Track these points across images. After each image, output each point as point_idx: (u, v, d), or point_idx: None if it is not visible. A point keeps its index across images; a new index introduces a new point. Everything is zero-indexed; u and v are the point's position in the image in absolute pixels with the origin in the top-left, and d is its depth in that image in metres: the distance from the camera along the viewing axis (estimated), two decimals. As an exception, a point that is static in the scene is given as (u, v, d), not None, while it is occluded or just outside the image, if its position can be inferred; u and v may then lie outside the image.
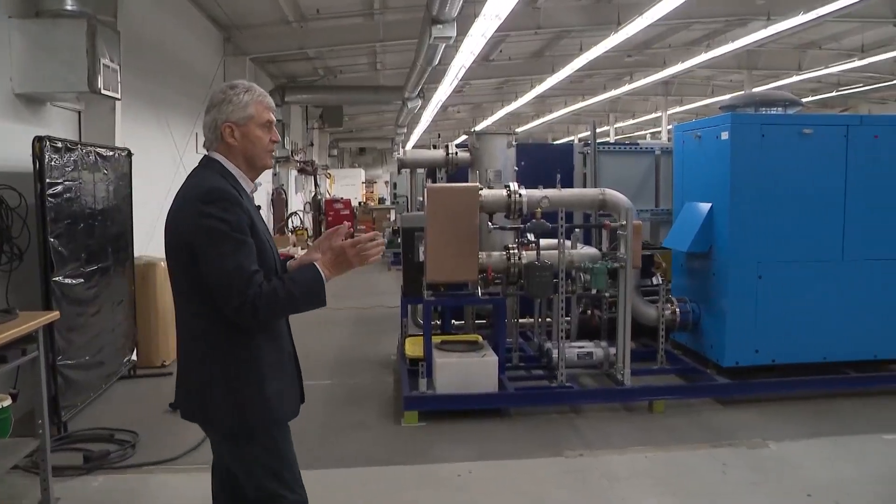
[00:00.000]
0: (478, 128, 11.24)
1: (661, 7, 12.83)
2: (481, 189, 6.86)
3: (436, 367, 6.53)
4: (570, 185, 8.67)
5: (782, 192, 6.76)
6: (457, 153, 8.10)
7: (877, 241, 6.95)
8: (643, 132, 37.31)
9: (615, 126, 35.98)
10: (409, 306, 8.14)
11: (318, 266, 2.76)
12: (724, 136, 6.73)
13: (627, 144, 9.28)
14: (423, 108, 23.82)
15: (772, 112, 7.22)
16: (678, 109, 30.16)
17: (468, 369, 6.49)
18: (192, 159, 11.28)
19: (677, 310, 7.33)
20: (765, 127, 6.72)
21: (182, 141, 10.80)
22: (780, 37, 18.45)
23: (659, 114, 30.21)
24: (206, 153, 2.88)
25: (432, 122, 29.83)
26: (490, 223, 7.07)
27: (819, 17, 14.38)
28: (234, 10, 13.10)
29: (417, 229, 7.18)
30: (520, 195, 6.77)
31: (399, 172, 9.81)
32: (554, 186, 6.87)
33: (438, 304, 7.42)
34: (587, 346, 7.09)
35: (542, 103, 32.70)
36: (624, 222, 6.60)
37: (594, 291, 6.85)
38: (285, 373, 2.88)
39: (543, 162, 8.80)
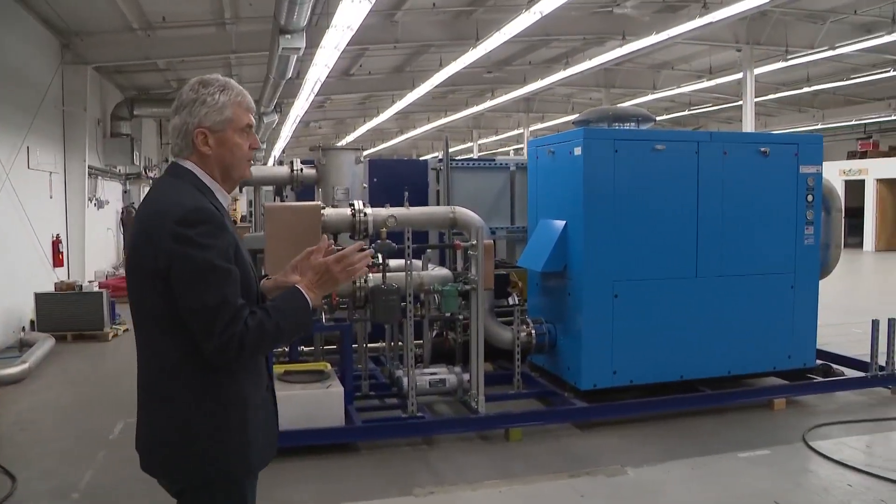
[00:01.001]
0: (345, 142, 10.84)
1: (519, 23, 12.84)
2: (324, 208, 6.43)
3: (278, 401, 5.99)
4: (426, 203, 8.35)
5: (637, 208, 6.61)
6: (302, 170, 7.64)
7: (729, 257, 6.91)
8: (506, 148, 37.79)
9: (479, 142, 36.24)
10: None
11: (301, 290, 2.43)
12: (578, 151, 6.52)
13: (482, 160, 9.03)
14: (281, 123, 23.20)
15: (625, 127, 7.09)
16: (539, 126, 30.65)
17: (312, 402, 6.01)
18: (21, 176, 10.51)
19: (533, 331, 7.07)
20: (618, 142, 6.55)
21: (8, 156, 9.86)
22: (636, 56, 18.91)
23: (521, 130, 30.54)
24: (175, 160, 2.49)
25: (293, 137, 29.20)
26: (334, 244, 6.61)
27: (670, 37, 14.78)
28: (72, 15, 12.14)
29: (260, 251, 6.66)
30: (365, 214, 6.40)
31: (241, 191, 9.25)
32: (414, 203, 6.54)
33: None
34: (440, 372, 6.72)
35: (406, 119, 32.63)
36: (474, 242, 6.29)
37: (447, 314, 6.51)
38: (267, 413, 2.58)
39: (396, 178, 8.46)
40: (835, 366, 7.76)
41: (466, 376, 6.56)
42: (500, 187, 8.59)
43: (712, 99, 25.82)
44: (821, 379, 7.36)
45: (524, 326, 7.13)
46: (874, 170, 25.48)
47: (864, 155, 27.49)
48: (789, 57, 17.28)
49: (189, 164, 2.45)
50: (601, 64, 17.67)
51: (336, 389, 6.10)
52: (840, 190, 25.58)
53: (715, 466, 5.67)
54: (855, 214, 25.93)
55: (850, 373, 7.67)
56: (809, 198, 7.11)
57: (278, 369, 6.47)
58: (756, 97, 22.88)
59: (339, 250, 2.54)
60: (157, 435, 2.42)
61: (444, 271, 6.80)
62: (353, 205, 6.55)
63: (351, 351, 6.57)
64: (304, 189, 7.96)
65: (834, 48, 16.34)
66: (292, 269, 2.62)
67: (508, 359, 7.42)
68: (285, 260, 5.98)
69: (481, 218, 7.16)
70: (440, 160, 8.56)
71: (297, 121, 22.91)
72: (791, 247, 7.11)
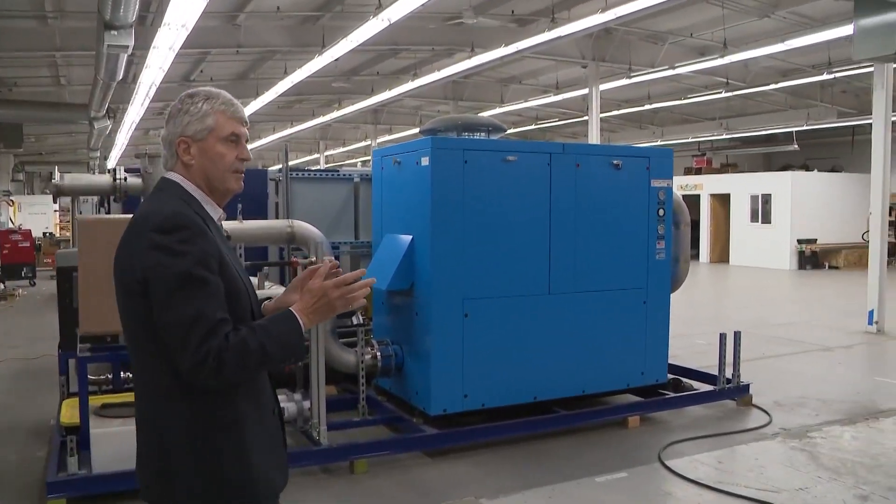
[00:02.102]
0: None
1: (366, 30, 12.42)
2: (147, 220, 5.76)
3: (92, 439, 5.30)
4: (265, 216, 7.77)
5: (487, 222, 6.29)
6: (126, 179, 6.93)
7: (582, 273, 6.70)
8: (353, 160, 37.38)
9: (325, 153, 35.67)
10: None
11: (294, 313, 2.25)
12: (425, 161, 6.13)
13: (324, 171, 8.52)
14: (116, 129, 21.83)
15: (475, 137, 6.77)
16: (387, 138, 30.41)
17: (132, 439, 5.29)
18: None
19: (378, 354, 6.61)
20: (468, 153, 6.20)
21: None
22: (484, 69, 18.93)
23: (369, 142, 30.19)
24: (165, 174, 2.39)
25: (130, 145, 27.65)
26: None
27: (518, 51, 14.78)
28: None
29: (76, 269, 5.92)
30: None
31: (55, 201, 8.37)
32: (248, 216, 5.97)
33: (96, 361, 6.17)
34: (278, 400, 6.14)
35: (252, 129, 31.35)
36: (313, 258, 5.78)
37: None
38: (271, 437, 2.39)
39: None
40: (684, 380, 7.73)
41: (307, 403, 6.03)
42: (343, 200, 8.11)
43: (559, 114, 26.31)
44: (673, 395, 7.27)
45: (369, 348, 6.67)
46: (708, 185, 26.65)
47: (698, 171, 28.74)
48: (632, 74, 17.71)
49: (175, 176, 2.36)
50: (450, 76, 17.54)
51: (161, 424, 5.43)
52: (678, 204, 26.93)
53: (573, 494, 5.40)
54: (691, 228, 26.98)
55: (700, 386, 7.66)
56: (661, 212, 7.02)
57: (95, 402, 5.78)
58: (601, 113, 23.52)
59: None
60: (149, 464, 2.27)
61: (280, 289, 6.25)
62: (180, 217, 5.92)
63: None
64: (130, 200, 7.25)
65: (673, 67, 16.84)
66: (293, 289, 2.46)
67: (354, 381, 6.94)
68: (101, 279, 5.39)
69: (323, 232, 6.68)
70: (280, 170, 8.00)
71: (133, 127, 21.58)
72: (643, 262, 6.98)
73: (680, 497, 5.36)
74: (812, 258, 23.86)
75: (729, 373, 7.51)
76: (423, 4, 10.99)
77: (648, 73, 17.52)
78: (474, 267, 6.22)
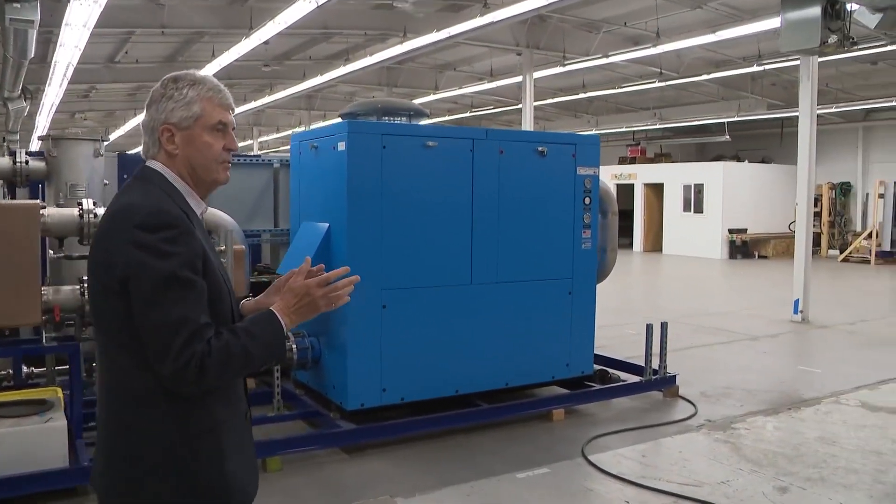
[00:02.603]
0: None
1: (294, 12, 12.08)
2: (44, 207, 5.42)
3: (-18, 440, 4.95)
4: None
5: (407, 210, 6.05)
6: (27, 162, 6.52)
7: (505, 263, 6.51)
8: (287, 146, 36.78)
9: (259, 140, 35.09)
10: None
11: (276, 314, 2.17)
12: (342, 146, 5.86)
13: (243, 156, 8.18)
14: (34, 111, 21.00)
15: (396, 122, 6.53)
16: (322, 124, 29.91)
17: (26, 440, 4.99)
18: None
19: (294, 346, 6.34)
20: (386, 137, 5.94)
21: None
22: (418, 55, 18.69)
23: (303, 128, 29.70)
24: (145, 163, 2.25)
25: (55, 129, 26.71)
26: (51, 251, 5.65)
27: (450, 36, 14.55)
28: None
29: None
30: (95, 215, 5.46)
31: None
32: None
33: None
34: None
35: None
36: (223, 247, 5.49)
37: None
38: (245, 443, 2.29)
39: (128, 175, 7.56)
40: (611, 371, 7.62)
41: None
42: (262, 186, 7.77)
43: (493, 101, 26.22)
44: (598, 386, 7.15)
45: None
46: (642, 175, 26.85)
47: (633, 161, 28.95)
48: (566, 63, 17.65)
49: (157, 165, 2.22)
50: (382, 61, 17.24)
51: (58, 423, 5.10)
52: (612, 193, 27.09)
53: (492, 491, 5.23)
54: (625, 217, 27.20)
55: (626, 377, 7.57)
56: (587, 200, 6.87)
57: (-10, 399, 5.41)
58: (535, 101, 23.48)
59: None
60: (115, 470, 2.13)
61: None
62: (80, 204, 5.59)
63: (80, 375, 5.58)
64: (33, 185, 6.86)
65: (607, 56, 16.82)
66: (275, 290, 2.36)
67: (285, 374, 6.67)
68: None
69: (242, 219, 6.40)
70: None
71: (54, 109, 20.79)
72: (569, 251, 6.82)
73: (602, 493, 5.24)
74: (742, 247, 24.22)
75: (656, 364, 7.43)
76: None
77: (582, 61, 17.48)
78: (393, 256, 5.99)
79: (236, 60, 19.20)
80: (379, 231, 5.92)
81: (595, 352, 7.89)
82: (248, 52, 15.87)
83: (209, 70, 17.00)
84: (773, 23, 11.97)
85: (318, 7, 11.70)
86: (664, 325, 7.46)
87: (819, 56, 12.01)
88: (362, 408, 6.04)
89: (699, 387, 7.86)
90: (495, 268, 6.45)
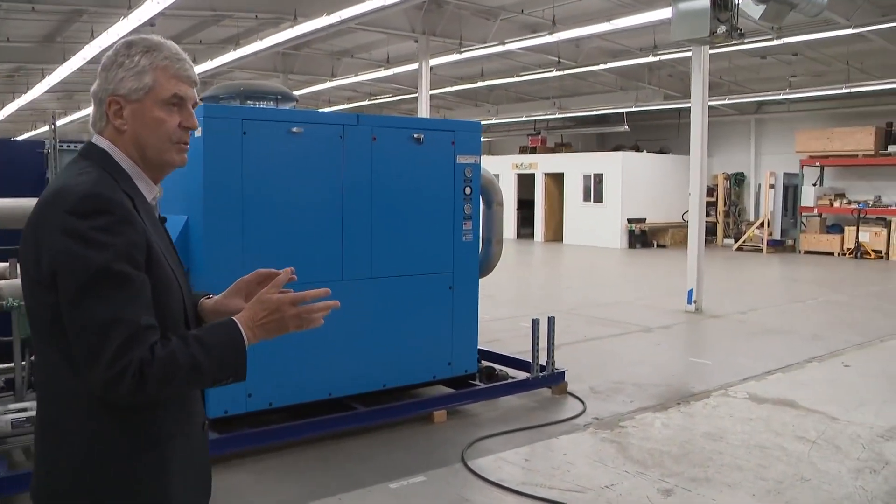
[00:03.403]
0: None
1: (171, -10, 11.41)
2: None
3: None
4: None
5: (271, 201, 5.56)
6: None
7: (380, 257, 6.10)
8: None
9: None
10: None
11: (238, 324, 1.86)
12: (197, 132, 5.36)
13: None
14: None
15: (261, 106, 6.05)
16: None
17: None
18: None
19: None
20: (247, 122, 5.43)
21: None
22: (314, 41, 18.14)
23: (196, 116, 28.73)
24: (90, 139, 1.97)
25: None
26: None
27: (342, 20, 14.07)
28: None
29: None
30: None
31: None
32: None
33: None
34: (31, 407, 5.28)
35: (70, 99, 29.50)
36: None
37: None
38: (197, 459, 2.03)
39: (10, 164, 7.04)
40: (499, 367, 7.32)
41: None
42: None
43: (393, 90, 25.80)
44: (483, 385, 6.82)
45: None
46: (542, 164, 26.83)
47: (533, 150, 28.96)
48: (463, 50, 17.36)
49: (103, 142, 1.95)
50: (274, 46, 16.66)
51: None
52: (513, 183, 27.08)
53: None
54: (526, 206, 27.20)
55: (515, 373, 7.28)
56: (467, 190, 6.50)
57: None
58: (434, 90, 23.18)
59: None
60: (50, 481, 1.89)
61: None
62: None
63: None
64: None
65: (503, 43, 16.60)
66: (237, 291, 2.15)
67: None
68: None
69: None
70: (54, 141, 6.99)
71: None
72: (448, 244, 6.45)
73: (479, 503, 4.91)
74: (641, 237, 24.48)
75: (544, 359, 7.16)
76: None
77: (479, 48, 17.24)
78: (256, 251, 5.49)
79: (118, 41, 18.28)
80: (239, 224, 5.43)
81: (486, 347, 7.65)
82: (130, 33, 15.09)
83: (89, 52, 16.08)
84: (668, 13, 11.88)
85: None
86: (551, 320, 7.19)
87: (710, 46, 12.02)
88: (226, 415, 5.55)
89: (590, 382, 7.65)
90: (369, 262, 6.02)
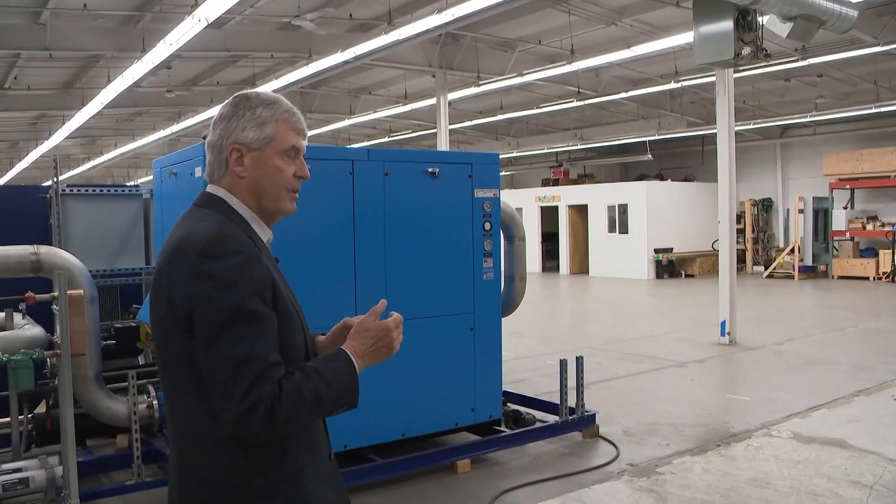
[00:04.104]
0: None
1: (182, 31, 11.24)
2: None
3: None
4: (44, 240, 6.53)
5: (280, 241, 5.25)
6: None
7: (396, 298, 5.70)
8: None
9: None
10: None
11: (350, 355, 1.97)
12: (198, 172, 5.09)
13: (108, 186, 7.32)
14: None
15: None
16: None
17: None
18: None
19: (155, 402, 5.49)
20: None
21: None
22: (330, 78, 18.02)
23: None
24: (206, 189, 2.08)
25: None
26: None
27: (356, 56, 13.88)
28: None
29: None
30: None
31: None
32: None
33: None
34: (29, 467, 4.98)
35: (93, 144, 29.68)
36: (56, 292, 4.64)
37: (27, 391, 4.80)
38: (329, 486, 2.07)
39: (14, 210, 6.83)
40: (525, 410, 6.92)
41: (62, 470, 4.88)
42: (131, 219, 6.90)
43: (412, 126, 25.64)
44: (508, 431, 6.42)
45: (144, 395, 5.54)
46: (566, 196, 26.46)
47: (556, 182, 28.61)
48: (480, 83, 17.14)
49: (219, 191, 2.04)
50: (290, 84, 16.48)
51: None
52: (537, 217, 26.73)
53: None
54: (550, 239, 26.81)
55: (544, 416, 6.88)
56: (487, 226, 6.15)
57: None
58: (453, 124, 22.98)
59: None
60: None
61: (33, 331, 5.08)
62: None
63: None
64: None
65: (521, 74, 16.37)
66: (342, 328, 2.22)
67: (149, 433, 5.81)
68: None
69: (107, 257, 5.56)
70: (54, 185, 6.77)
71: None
72: (469, 283, 6.09)
73: (507, 563, 4.52)
74: (669, 267, 23.97)
75: (573, 401, 6.75)
76: (237, 4, 9.99)
77: (497, 80, 17.03)
78: (263, 296, 5.19)
79: (137, 86, 18.30)
80: (246, 267, 5.12)
81: (512, 388, 7.27)
82: (148, 77, 15.05)
83: (105, 96, 16.05)
84: (688, 38, 11.61)
85: (208, 27, 10.98)
86: (580, 359, 6.79)
87: (734, 68, 11.68)
88: None
89: (623, 423, 7.24)
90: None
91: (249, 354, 1.80)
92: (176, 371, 1.95)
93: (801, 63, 15.73)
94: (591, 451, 6.54)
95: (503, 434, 6.32)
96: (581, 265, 25.94)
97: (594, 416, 6.83)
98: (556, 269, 26.59)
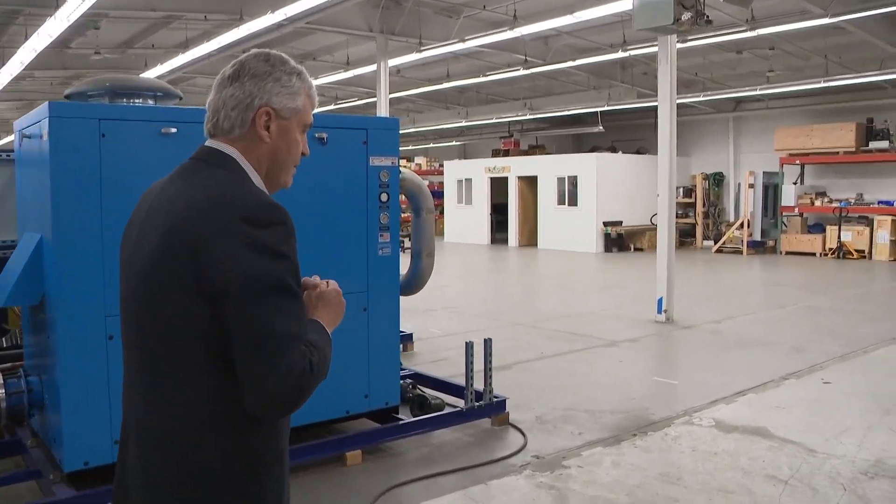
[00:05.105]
0: None
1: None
2: None
3: None
4: None
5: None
6: None
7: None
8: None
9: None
10: None
11: (324, 326, 1.95)
12: (45, 135, 4.49)
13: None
14: None
15: (134, 104, 5.18)
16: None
17: None
18: None
19: (2, 390, 4.92)
20: (106, 123, 4.53)
21: None
22: (271, 42, 17.26)
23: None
24: (209, 144, 1.96)
25: None
26: None
27: (287, 17, 13.28)
28: None
29: None
30: None
31: None
32: None
33: None
34: None
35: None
36: None
37: None
38: (286, 480, 1.99)
39: None
40: (434, 395, 6.49)
41: None
42: (2, 186, 6.27)
43: (360, 94, 24.98)
44: (406, 420, 5.93)
45: (16, 380, 4.98)
46: (515, 168, 25.99)
47: (506, 153, 28.12)
48: (423, 49, 16.56)
49: (231, 151, 1.91)
50: (224, 48, 15.81)
51: None
52: (486, 188, 26.27)
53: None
54: (500, 211, 26.39)
55: (456, 401, 6.44)
56: (384, 197, 5.64)
57: None
58: (400, 92, 22.40)
59: None
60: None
61: None
62: None
63: None
64: None
65: (463, 40, 15.81)
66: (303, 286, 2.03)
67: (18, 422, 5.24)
68: None
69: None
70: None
71: None
72: (362, 259, 5.57)
73: (380, 572, 4.08)
74: (618, 240, 23.67)
75: (482, 385, 6.30)
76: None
77: (439, 46, 16.45)
78: (118, 274, 4.64)
79: (67, 47, 17.48)
80: (98, 243, 4.54)
81: (428, 370, 6.86)
82: (76, 38, 14.29)
83: (25, 56, 15.24)
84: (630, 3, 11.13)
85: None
86: (487, 343, 6.33)
87: (678, 36, 11.25)
88: (86, 467, 4.66)
89: (538, 409, 6.82)
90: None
91: (294, 330, 1.74)
92: (185, 345, 1.79)
93: (750, 34, 15.34)
94: (498, 440, 6.11)
95: (400, 423, 5.84)
96: (530, 237, 25.55)
97: (504, 402, 6.39)
98: (505, 241, 26.19)
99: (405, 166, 30.58)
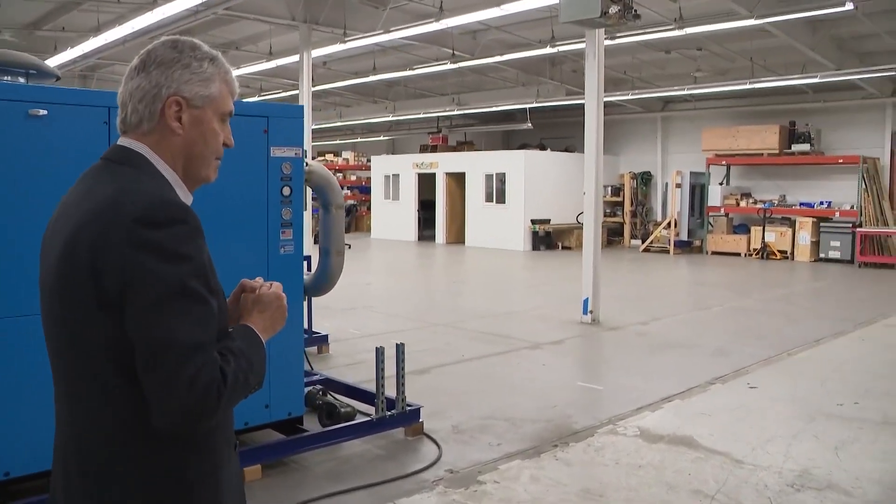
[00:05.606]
0: None
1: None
2: None
3: None
4: None
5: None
6: None
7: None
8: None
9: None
10: None
11: (255, 330, 1.83)
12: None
13: None
14: None
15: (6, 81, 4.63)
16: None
17: None
18: None
19: None
20: None
21: None
22: (192, 29, 16.61)
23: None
24: (119, 141, 1.80)
25: None
26: None
27: (203, 2, 12.70)
28: None
29: None
30: None
31: None
32: None
33: None
34: None
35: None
36: None
37: None
38: (236, 478, 1.89)
39: None
40: (345, 403, 6.07)
41: None
42: None
43: (284, 85, 24.35)
44: (310, 431, 5.47)
45: None
46: (443, 164, 25.64)
47: (434, 149, 27.75)
48: (347, 39, 16.08)
49: (140, 147, 1.76)
50: (137, 32, 15.10)
51: None
52: (414, 184, 25.86)
53: None
54: (428, 208, 26.03)
55: (369, 409, 6.01)
56: (286, 190, 5.17)
57: None
58: (325, 84, 21.83)
59: None
60: None
61: None
62: None
63: None
64: None
65: (388, 31, 15.41)
66: (242, 288, 1.97)
67: None
68: None
69: None
70: None
71: None
72: (262, 258, 5.10)
73: None
74: (546, 239, 23.52)
75: (395, 393, 5.90)
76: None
77: (364, 37, 16.00)
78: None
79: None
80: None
81: (341, 376, 6.45)
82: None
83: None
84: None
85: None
86: (400, 348, 5.92)
87: (605, 31, 11.01)
88: (7, 478, 4.12)
89: (455, 417, 6.45)
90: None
91: (197, 338, 1.60)
92: (84, 354, 1.67)
93: (678, 32, 15.28)
94: (411, 452, 5.70)
95: (304, 434, 5.39)
96: (458, 235, 25.23)
97: (418, 410, 5.99)
98: (433, 238, 25.84)
99: (332, 160, 29.99)
